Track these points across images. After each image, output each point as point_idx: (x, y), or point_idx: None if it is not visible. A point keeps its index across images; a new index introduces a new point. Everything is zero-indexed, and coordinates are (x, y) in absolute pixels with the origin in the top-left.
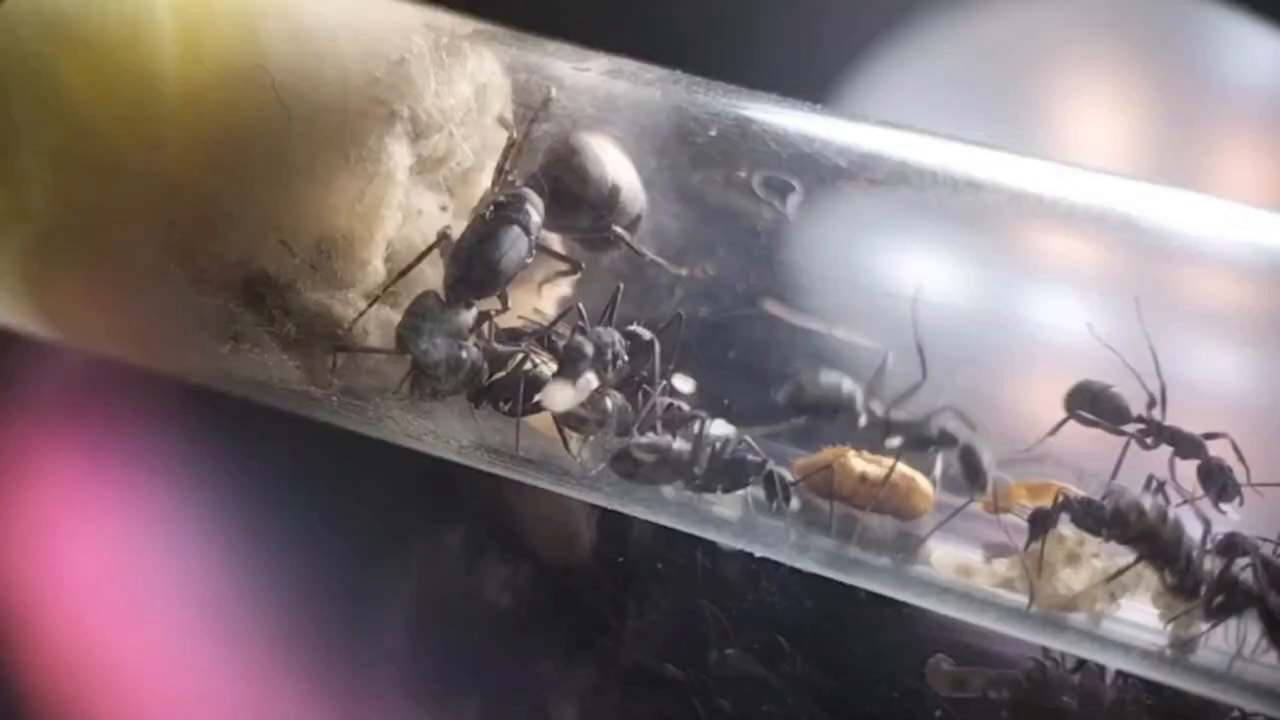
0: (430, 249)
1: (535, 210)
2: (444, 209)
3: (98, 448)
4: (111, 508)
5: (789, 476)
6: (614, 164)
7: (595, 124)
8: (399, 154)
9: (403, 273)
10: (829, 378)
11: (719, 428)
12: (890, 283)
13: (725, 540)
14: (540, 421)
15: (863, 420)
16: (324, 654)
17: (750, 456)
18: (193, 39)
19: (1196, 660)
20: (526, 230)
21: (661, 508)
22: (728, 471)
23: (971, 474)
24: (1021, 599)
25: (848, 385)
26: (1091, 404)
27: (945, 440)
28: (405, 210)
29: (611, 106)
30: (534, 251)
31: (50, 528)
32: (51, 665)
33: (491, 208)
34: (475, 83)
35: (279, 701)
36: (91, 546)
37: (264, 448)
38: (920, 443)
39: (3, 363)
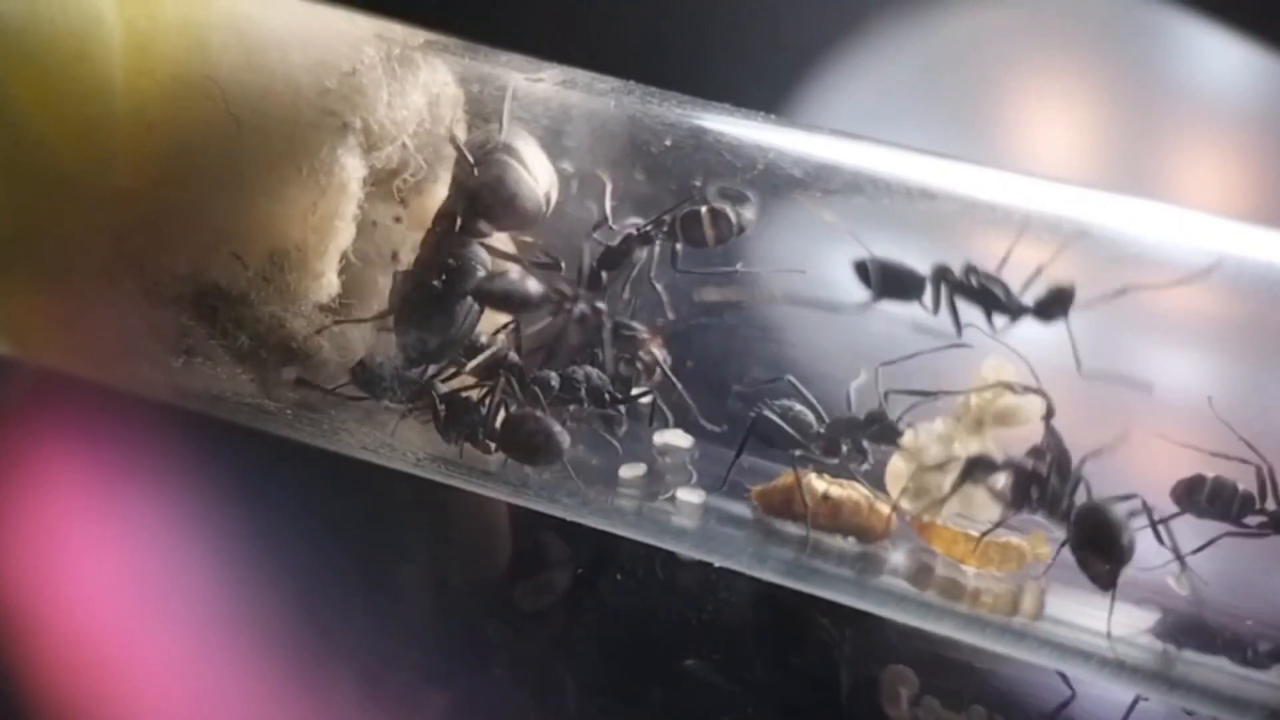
0: (383, 314)
1: (484, 270)
2: (398, 220)
3: (103, 456)
4: (116, 516)
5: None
6: (540, 174)
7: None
8: (351, 165)
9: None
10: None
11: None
12: (845, 292)
13: (684, 550)
14: None
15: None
16: (324, 659)
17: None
18: (141, 51)
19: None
20: (479, 298)
21: (619, 518)
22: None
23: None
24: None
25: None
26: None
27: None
28: (359, 222)
29: (565, 117)
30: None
31: (56, 535)
32: (57, 672)
33: (443, 276)
34: (428, 93)
35: (282, 707)
36: (97, 554)
37: (262, 454)
38: None
39: (9, 373)
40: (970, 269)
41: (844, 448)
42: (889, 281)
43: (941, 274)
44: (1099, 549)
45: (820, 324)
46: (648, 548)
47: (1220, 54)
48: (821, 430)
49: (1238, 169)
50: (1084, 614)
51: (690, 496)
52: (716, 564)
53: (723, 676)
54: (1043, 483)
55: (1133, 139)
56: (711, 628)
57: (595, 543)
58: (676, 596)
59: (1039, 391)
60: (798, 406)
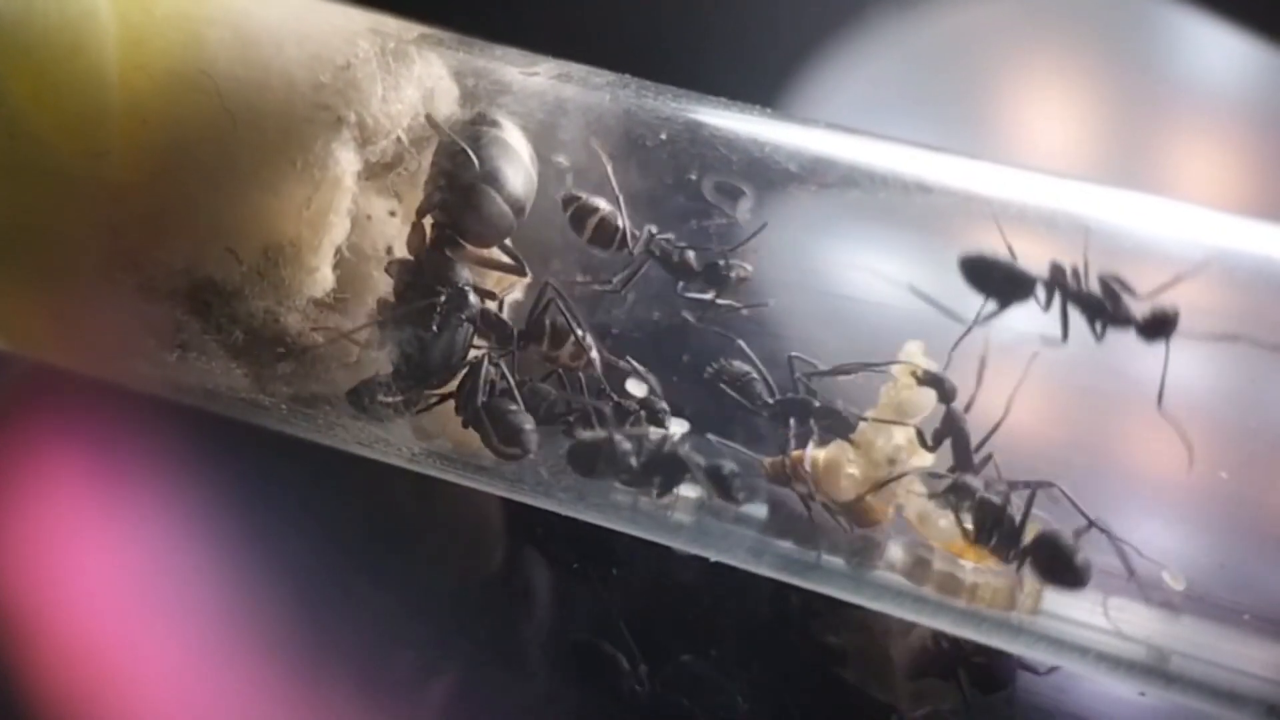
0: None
1: (470, 287)
2: (393, 214)
3: (103, 456)
4: (116, 516)
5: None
6: (514, 178)
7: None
8: (346, 159)
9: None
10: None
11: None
12: (841, 286)
13: (680, 545)
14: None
15: None
16: (324, 659)
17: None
18: (137, 45)
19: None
20: (474, 321)
21: (615, 513)
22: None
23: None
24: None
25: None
26: None
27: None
28: (354, 216)
29: (560, 111)
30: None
31: (56, 535)
32: (57, 672)
33: (439, 309)
34: (423, 87)
35: (282, 706)
36: (97, 554)
37: (261, 454)
38: None
39: (10, 372)
40: (1079, 273)
41: (792, 424)
42: (996, 279)
43: (1057, 275)
44: (1057, 575)
45: (818, 318)
46: (644, 543)
47: (1217, 46)
48: (770, 402)
49: (1235, 162)
50: (1081, 609)
51: (687, 491)
52: (713, 559)
53: (720, 672)
54: (1002, 516)
55: (1130, 132)
56: (708, 623)
57: (592, 539)
58: (673, 592)
59: (939, 377)
60: (751, 373)
